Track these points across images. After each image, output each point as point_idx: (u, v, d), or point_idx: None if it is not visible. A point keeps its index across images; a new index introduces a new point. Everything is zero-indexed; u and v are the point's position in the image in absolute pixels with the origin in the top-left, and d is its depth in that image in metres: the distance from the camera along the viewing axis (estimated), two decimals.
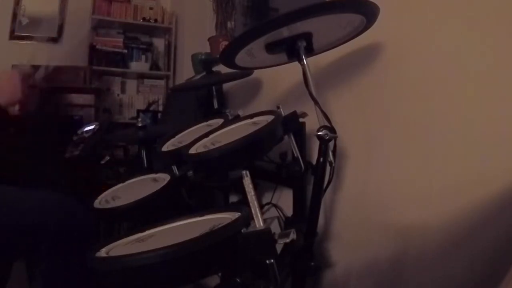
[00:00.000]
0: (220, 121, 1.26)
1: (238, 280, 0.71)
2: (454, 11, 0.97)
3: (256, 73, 1.62)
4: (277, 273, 0.64)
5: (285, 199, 1.33)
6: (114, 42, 3.27)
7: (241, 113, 1.23)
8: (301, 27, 0.89)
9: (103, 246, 0.69)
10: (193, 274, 0.61)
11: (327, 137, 0.91)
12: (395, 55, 1.13)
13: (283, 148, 1.10)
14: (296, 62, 0.97)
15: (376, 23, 0.94)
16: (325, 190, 0.97)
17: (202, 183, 1.30)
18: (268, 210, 1.40)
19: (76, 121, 2.58)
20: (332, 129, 0.92)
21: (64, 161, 1.82)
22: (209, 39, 2.22)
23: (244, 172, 0.65)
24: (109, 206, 1.04)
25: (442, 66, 0.99)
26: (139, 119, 1.55)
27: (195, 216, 0.79)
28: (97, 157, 1.75)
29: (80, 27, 3.12)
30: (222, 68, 1.56)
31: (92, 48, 3.15)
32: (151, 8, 3.39)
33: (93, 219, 1.09)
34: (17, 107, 1.18)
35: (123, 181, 1.24)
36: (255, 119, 1.02)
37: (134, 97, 3.41)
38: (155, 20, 3.38)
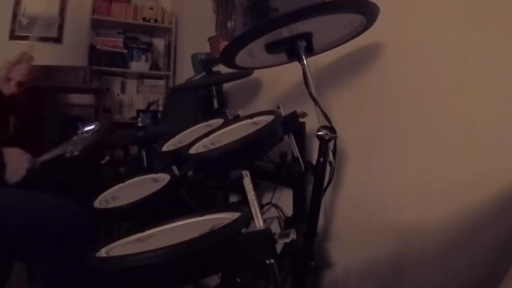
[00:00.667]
0: (220, 121, 1.26)
1: (238, 280, 0.71)
2: (454, 11, 0.97)
3: (256, 73, 1.62)
4: (277, 273, 0.64)
5: (285, 199, 1.33)
6: (114, 42, 3.26)
7: (241, 113, 1.23)
8: (301, 27, 0.89)
9: (103, 246, 0.69)
10: (193, 274, 0.61)
11: (327, 137, 0.91)
12: (395, 55, 1.13)
13: (283, 148, 1.10)
14: (296, 62, 0.97)
15: (376, 23, 0.94)
16: (325, 190, 0.97)
17: (202, 183, 1.30)
18: (268, 210, 1.40)
19: (76, 121, 2.58)
20: (332, 129, 0.92)
21: (64, 161, 1.82)
22: (209, 39, 2.22)
23: (244, 172, 0.65)
24: (109, 206, 1.04)
25: (442, 66, 0.99)
26: (139, 119, 1.56)
27: (195, 216, 0.79)
28: (97, 157, 1.75)
29: (80, 27, 3.12)
30: (222, 68, 1.56)
31: (92, 48, 3.15)
32: (151, 8, 3.39)
33: (93, 219, 1.09)
34: (13, 84, 1.20)
35: (123, 181, 1.24)
36: (255, 119, 1.02)
37: (134, 97, 3.41)
38: (155, 20, 3.38)
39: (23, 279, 1.19)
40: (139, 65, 3.35)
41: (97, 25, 3.22)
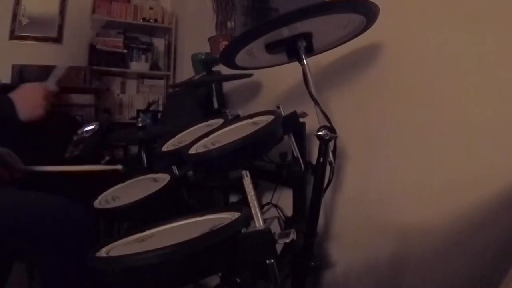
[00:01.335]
0: (220, 121, 1.26)
1: (238, 280, 0.71)
2: (454, 11, 0.97)
3: (256, 73, 1.62)
4: (277, 273, 0.64)
5: (285, 199, 1.33)
6: (114, 42, 3.26)
7: (241, 113, 1.23)
8: (301, 27, 0.89)
9: (103, 246, 0.69)
10: (193, 274, 0.61)
11: (327, 137, 0.91)
12: (395, 55, 1.13)
13: (283, 148, 1.10)
14: (296, 62, 0.97)
15: (376, 23, 0.94)
16: (325, 190, 0.97)
17: (202, 183, 1.30)
18: (268, 210, 1.41)
19: (76, 121, 2.58)
20: (332, 129, 0.92)
21: (64, 161, 1.82)
22: (209, 39, 2.22)
23: (244, 172, 0.65)
24: (109, 206, 1.04)
25: (442, 66, 0.99)
26: (139, 119, 1.55)
27: (195, 216, 0.79)
28: (97, 157, 1.75)
29: (80, 27, 3.12)
30: (222, 68, 1.57)
31: (92, 48, 3.15)
32: (151, 8, 3.39)
33: (93, 219, 1.08)
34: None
35: (123, 181, 1.24)
36: (255, 119, 1.02)
37: (134, 97, 3.41)
38: (155, 20, 3.38)
39: (23, 279, 1.19)
40: (139, 65, 3.35)
41: (97, 25, 3.22)
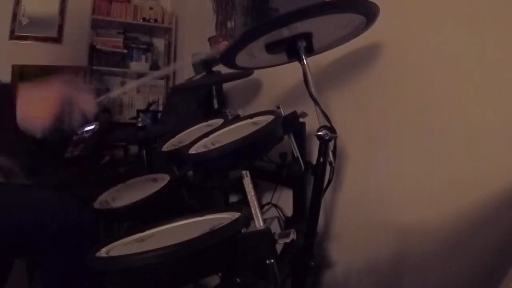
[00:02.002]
0: (220, 121, 1.26)
1: (238, 280, 0.71)
2: (454, 11, 0.97)
3: (256, 73, 1.62)
4: (277, 273, 0.64)
5: (285, 199, 1.33)
6: (114, 42, 3.26)
7: (241, 113, 1.23)
8: (301, 27, 0.89)
9: (103, 246, 0.69)
10: (193, 274, 0.61)
11: (327, 137, 0.91)
12: (395, 55, 1.13)
13: (283, 148, 1.10)
14: (296, 62, 0.97)
15: (376, 23, 0.94)
16: (325, 190, 0.97)
17: (202, 183, 1.30)
18: (268, 210, 1.40)
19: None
20: (332, 129, 0.92)
21: (64, 161, 1.82)
22: (209, 39, 2.22)
23: (244, 172, 0.65)
24: (109, 206, 1.05)
25: (442, 66, 0.99)
26: (139, 119, 1.56)
27: (195, 216, 0.79)
28: (97, 157, 1.75)
29: (80, 27, 3.11)
30: (222, 68, 1.56)
31: (92, 48, 3.15)
32: (151, 8, 3.39)
33: (93, 219, 1.09)
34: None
35: (123, 181, 1.24)
36: (255, 119, 1.02)
37: (134, 97, 3.41)
38: (155, 20, 3.37)
39: (23, 279, 1.19)
40: (139, 65, 3.35)
41: (97, 25, 3.21)
